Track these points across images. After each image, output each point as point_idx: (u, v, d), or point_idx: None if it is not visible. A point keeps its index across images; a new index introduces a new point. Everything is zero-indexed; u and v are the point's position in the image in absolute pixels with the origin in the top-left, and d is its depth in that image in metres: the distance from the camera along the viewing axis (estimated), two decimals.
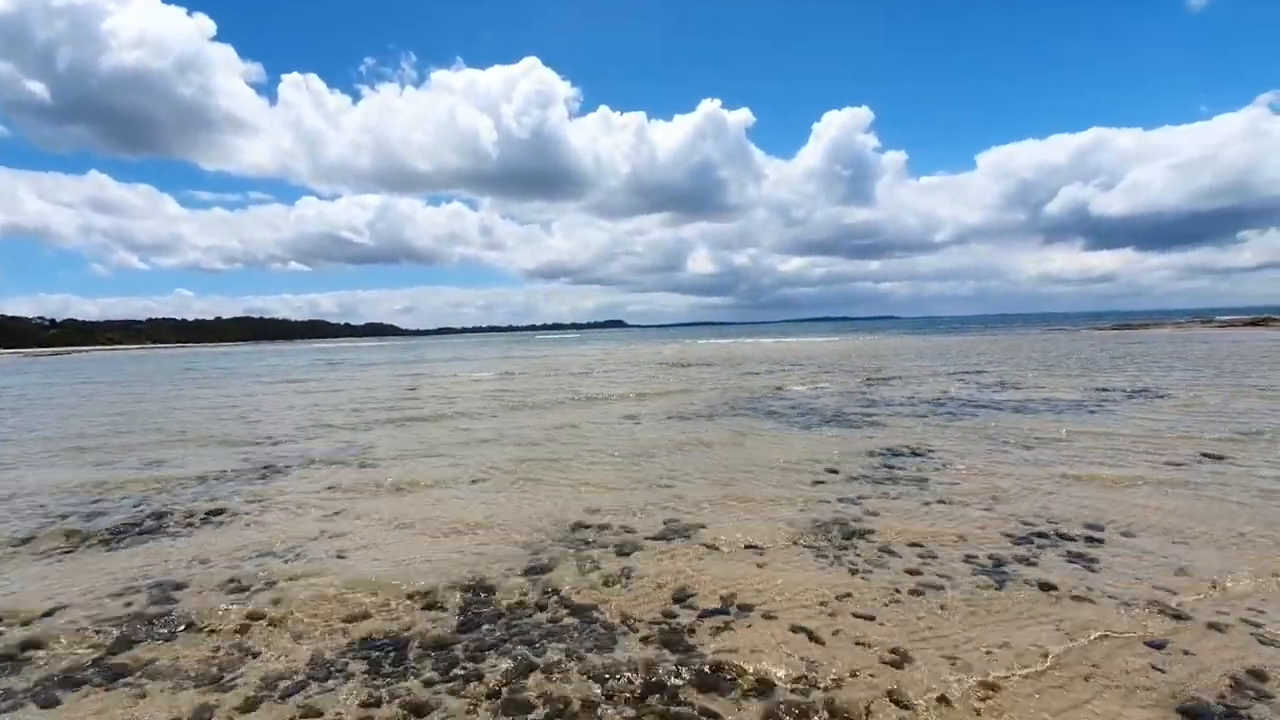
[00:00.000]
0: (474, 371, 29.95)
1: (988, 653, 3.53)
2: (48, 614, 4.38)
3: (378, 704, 3.23)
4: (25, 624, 4.24)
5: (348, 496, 7.33)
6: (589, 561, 5.05)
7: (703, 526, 5.80)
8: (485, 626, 4.03)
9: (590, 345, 71.18)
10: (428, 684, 3.40)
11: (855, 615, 4.02)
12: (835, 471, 7.80)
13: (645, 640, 3.79)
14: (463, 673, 3.49)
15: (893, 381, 18.70)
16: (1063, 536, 5.33)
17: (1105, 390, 14.84)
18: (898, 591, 4.35)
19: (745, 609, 4.15)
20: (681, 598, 4.35)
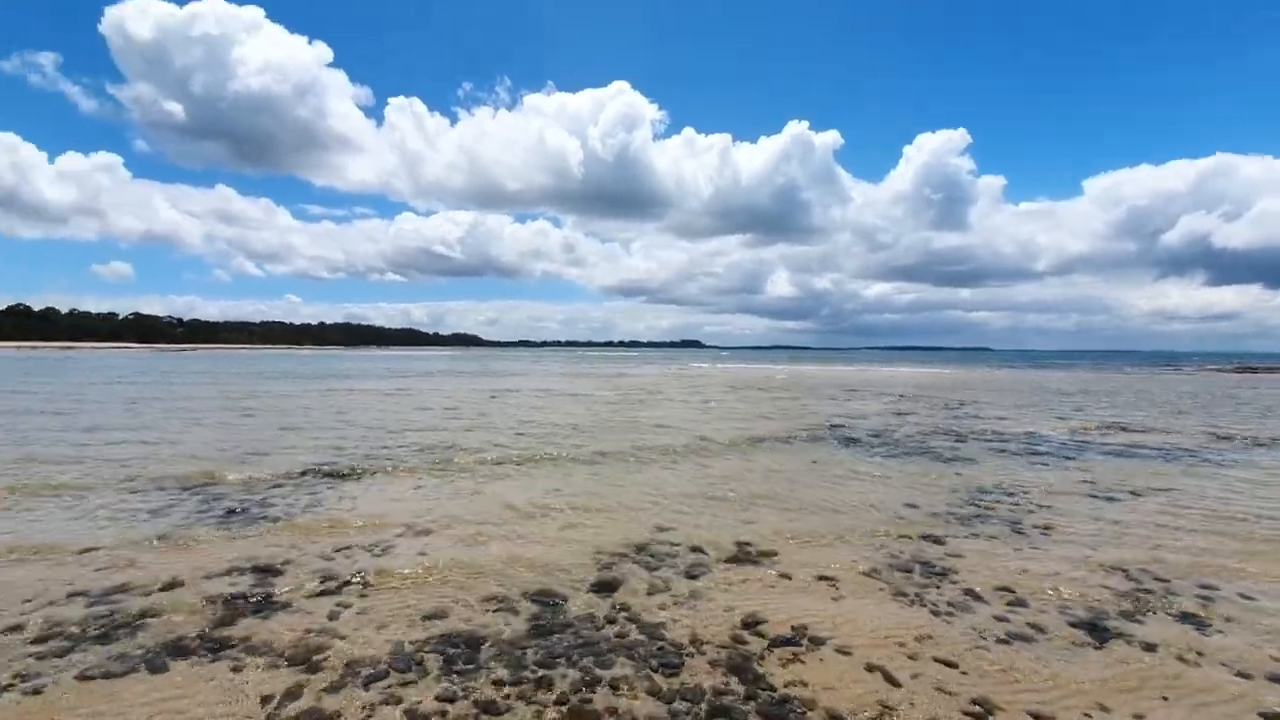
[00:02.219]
0: (552, 385, 30.64)
1: (1085, 715, 3.27)
2: (165, 587, 4.80)
3: (451, 699, 3.34)
4: (145, 594, 4.66)
5: (431, 498, 7.64)
6: (658, 581, 5.04)
7: (775, 554, 5.68)
8: (554, 635, 4.09)
9: (665, 364, 71.37)
10: (498, 685, 3.49)
11: (936, 659, 3.82)
12: (916, 506, 7.46)
13: (713, 664, 3.74)
14: (532, 677, 3.56)
15: (984, 416, 17.71)
16: (1171, 593, 4.87)
17: (1226, 438, 13.49)
18: (983, 638, 4.10)
19: (817, 641, 4.02)
20: (751, 624, 4.27)
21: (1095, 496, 8.08)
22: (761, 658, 3.82)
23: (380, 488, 8.18)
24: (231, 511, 6.93)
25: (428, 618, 4.30)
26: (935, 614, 4.48)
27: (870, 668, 3.71)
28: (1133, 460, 10.71)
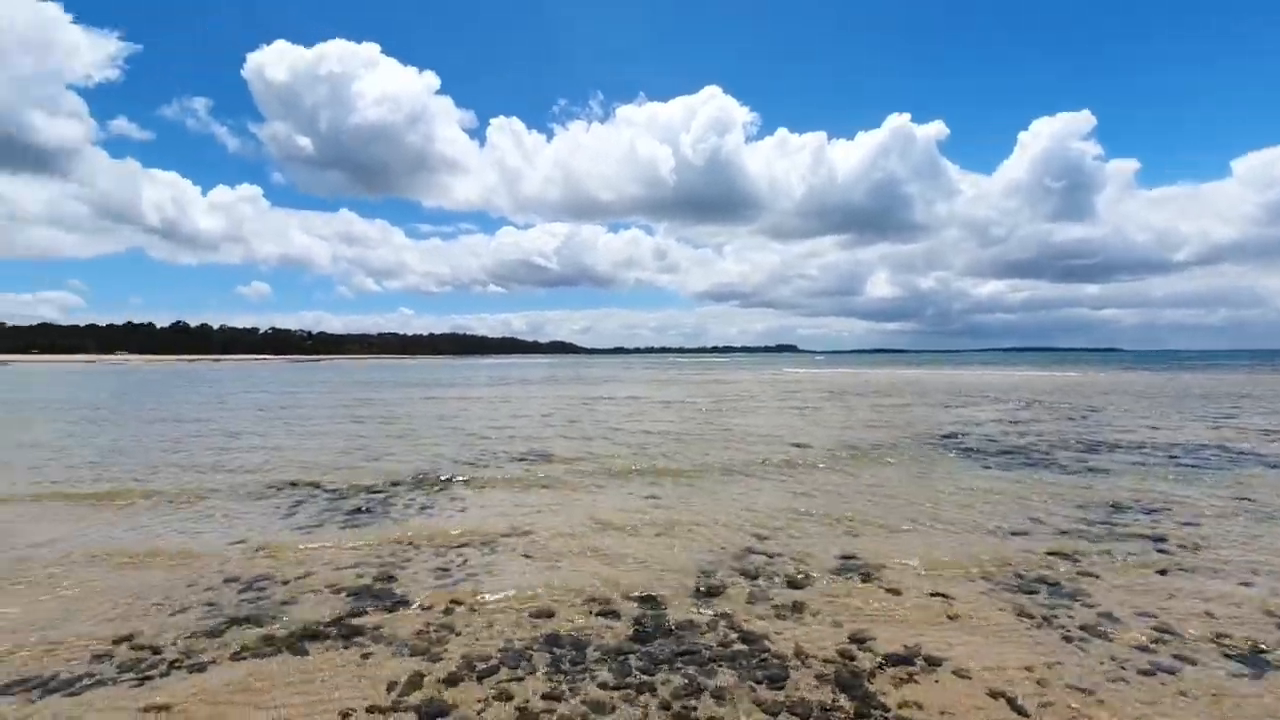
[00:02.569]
0: (644, 392, 30.93)
1: None
2: (302, 575, 5.26)
3: (559, 698, 3.44)
4: (285, 583, 5.13)
5: (532, 502, 7.92)
6: (758, 591, 4.96)
7: (883, 567, 5.44)
8: (657, 640, 4.12)
9: (757, 369, 70.21)
10: (603, 686, 3.56)
11: (1069, 687, 3.52)
12: (1041, 521, 6.91)
13: (820, 679, 3.63)
14: (636, 681, 3.60)
15: (1116, 424, 16.14)
16: None
17: None
18: (1123, 668, 3.74)
19: (933, 662, 3.81)
20: (860, 639, 4.11)
21: (1253, 515, 7.16)
22: (872, 675, 3.67)
23: (486, 491, 8.57)
24: (356, 511, 7.49)
25: (534, 617, 4.46)
26: (1067, 639, 4.12)
27: (993, 693, 3.47)
28: None
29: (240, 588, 5.05)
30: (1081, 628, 4.28)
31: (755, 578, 5.24)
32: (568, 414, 19.28)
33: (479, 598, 4.81)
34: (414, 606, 4.66)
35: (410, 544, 6.16)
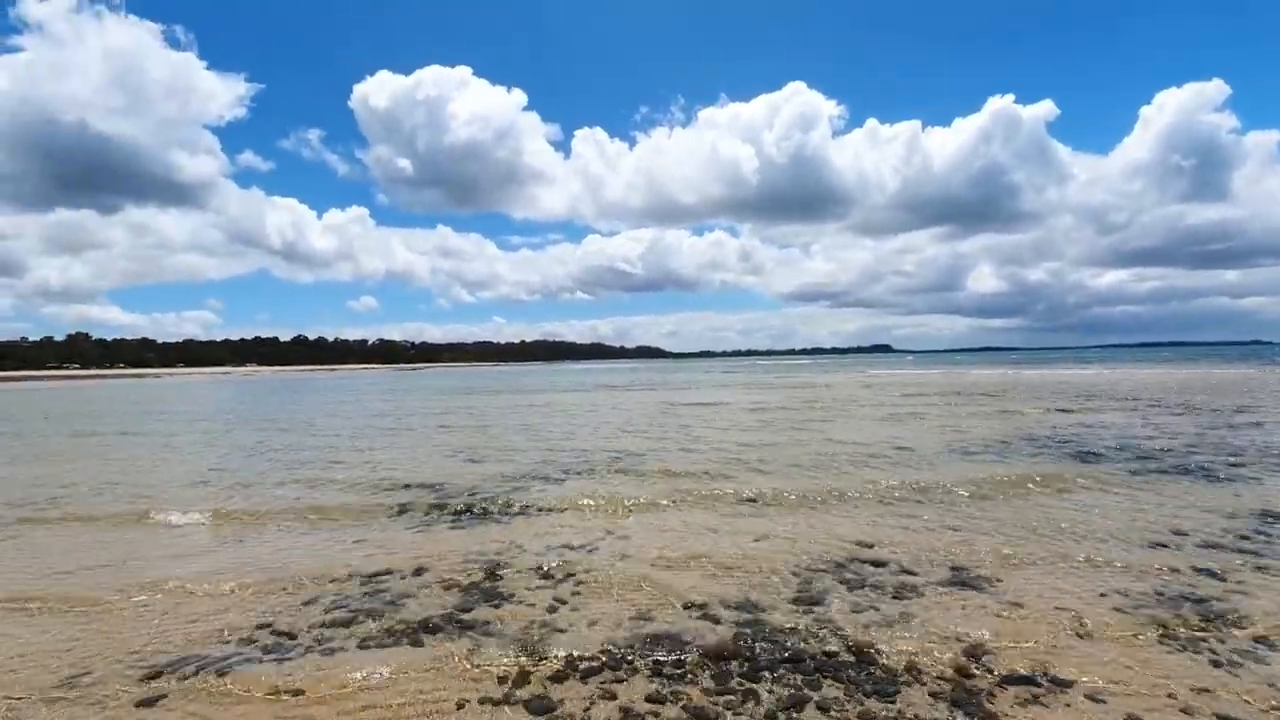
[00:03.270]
0: (733, 397, 30.61)
1: None
2: (416, 572, 5.59)
3: (662, 701, 3.46)
4: (402, 578, 5.46)
5: (632, 505, 8.02)
6: (862, 599, 4.79)
7: (999, 580, 5.11)
8: (758, 646, 4.06)
9: (854, 370, 67.80)
10: (705, 692, 3.55)
11: (1219, 717, 3.17)
12: (1183, 534, 6.26)
13: (934, 696, 3.46)
14: (739, 688, 3.57)
15: (1269, 426, 14.39)
16: None
17: None
18: None
19: (1061, 684, 3.54)
20: (976, 655, 3.88)
21: None
22: (992, 695, 3.45)
23: (583, 496, 8.75)
24: (460, 512, 7.86)
25: (634, 619, 4.51)
26: (1216, 664, 3.72)
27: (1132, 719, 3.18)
28: None
29: (363, 581, 5.42)
30: (1234, 652, 3.84)
31: (858, 586, 5.06)
32: (654, 421, 19.38)
33: (580, 597, 4.93)
34: (519, 603, 4.83)
35: (513, 544, 6.40)
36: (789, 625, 4.37)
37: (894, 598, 4.83)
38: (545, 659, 3.94)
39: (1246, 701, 3.32)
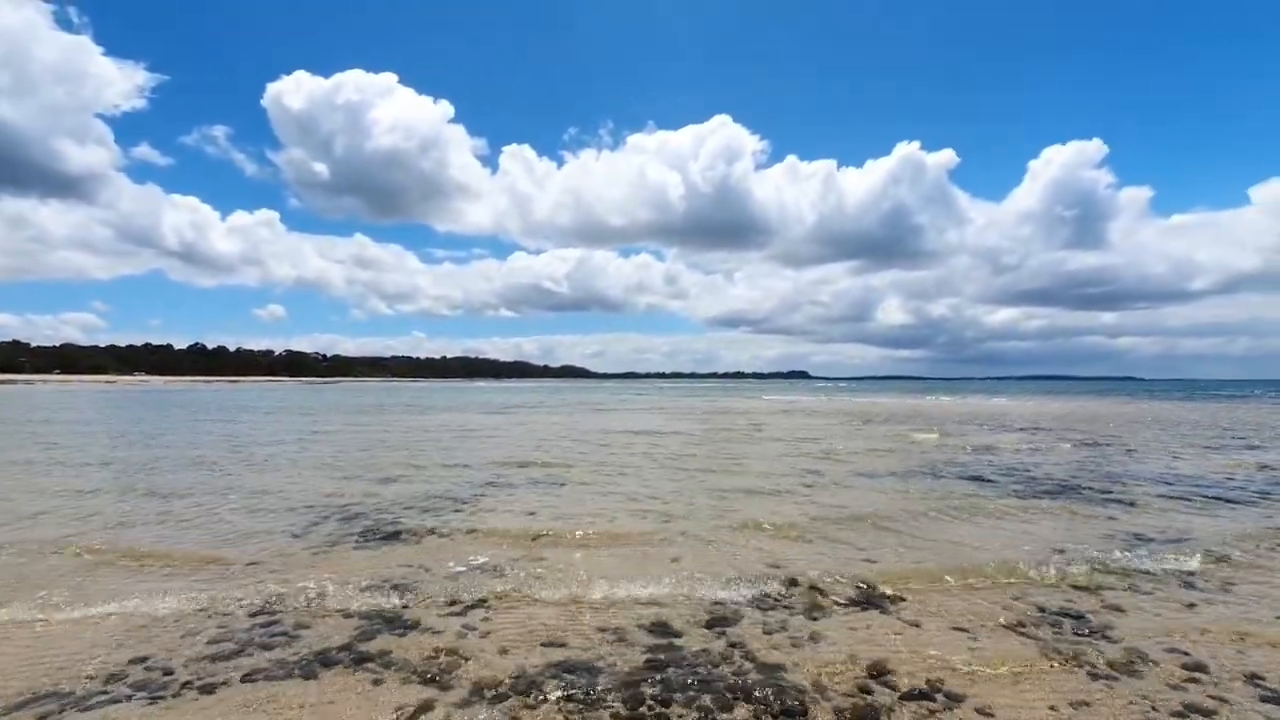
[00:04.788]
0: (655, 420, 30.84)
1: None
2: (313, 599, 5.24)
3: None
4: (297, 606, 5.10)
5: (552, 523, 7.86)
6: (774, 620, 4.87)
7: (902, 599, 5.33)
8: (671, 670, 4.04)
9: (771, 394, 69.85)
10: (616, 717, 3.49)
11: None
12: (1063, 552, 6.75)
13: (838, 712, 3.54)
14: (649, 713, 3.53)
15: (1138, 453, 15.84)
16: None
17: None
18: (1154, 709, 3.61)
19: (954, 699, 3.71)
20: (878, 673, 4.01)
21: None
22: (891, 710, 3.57)
23: (498, 515, 8.52)
24: (367, 533, 7.47)
25: (547, 644, 4.40)
26: (1094, 677, 4.00)
27: None
28: None
29: (254, 610, 5.03)
30: (1109, 666, 4.15)
31: (770, 607, 5.15)
32: (573, 443, 19.24)
33: (490, 623, 4.76)
34: (425, 631, 4.62)
35: (422, 568, 6.13)
36: (702, 648, 4.37)
37: (804, 618, 4.94)
38: (450, 689, 3.77)
39: (1121, 714, 3.58)
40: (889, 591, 5.49)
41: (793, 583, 5.71)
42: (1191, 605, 5.22)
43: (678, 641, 4.47)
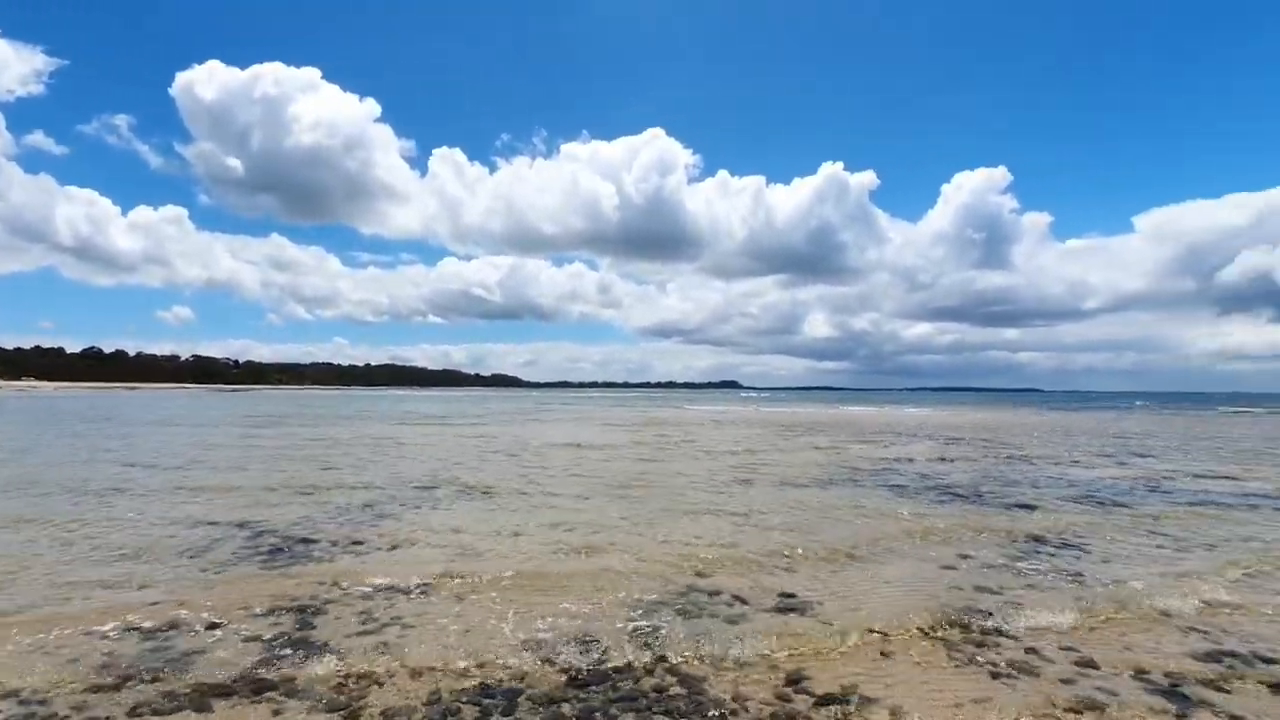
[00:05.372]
0: (584, 429, 30.71)
1: None
2: (211, 626, 4.87)
3: None
4: (192, 632, 4.73)
5: (471, 539, 7.64)
6: (698, 631, 4.89)
7: (820, 604, 5.47)
8: (593, 686, 3.98)
9: (701, 405, 70.91)
10: None
11: None
12: (970, 556, 7.12)
13: None
14: None
15: (1035, 460, 16.98)
16: (1261, 659, 4.48)
17: None
18: (1051, 704, 3.82)
19: (868, 701, 3.81)
20: (796, 680, 4.08)
21: (1165, 548, 7.60)
22: (808, 717, 3.64)
23: (419, 531, 8.22)
24: (275, 551, 7.04)
25: (465, 663, 4.24)
26: (994, 675, 4.21)
27: None
28: (1206, 509, 10.07)
29: (143, 636, 4.62)
30: (1009, 664, 4.37)
31: (695, 617, 5.17)
32: (501, 453, 18.89)
33: (404, 645, 4.55)
34: (334, 656, 4.37)
35: (334, 586, 5.81)
36: (625, 661, 4.33)
37: (726, 625, 4.98)
38: (359, 717, 3.57)
39: (1019, 710, 3.77)
40: (809, 596, 5.62)
41: (716, 593, 5.76)
42: (1082, 603, 5.59)
43: (602, 656, 4.41)
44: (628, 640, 4.69)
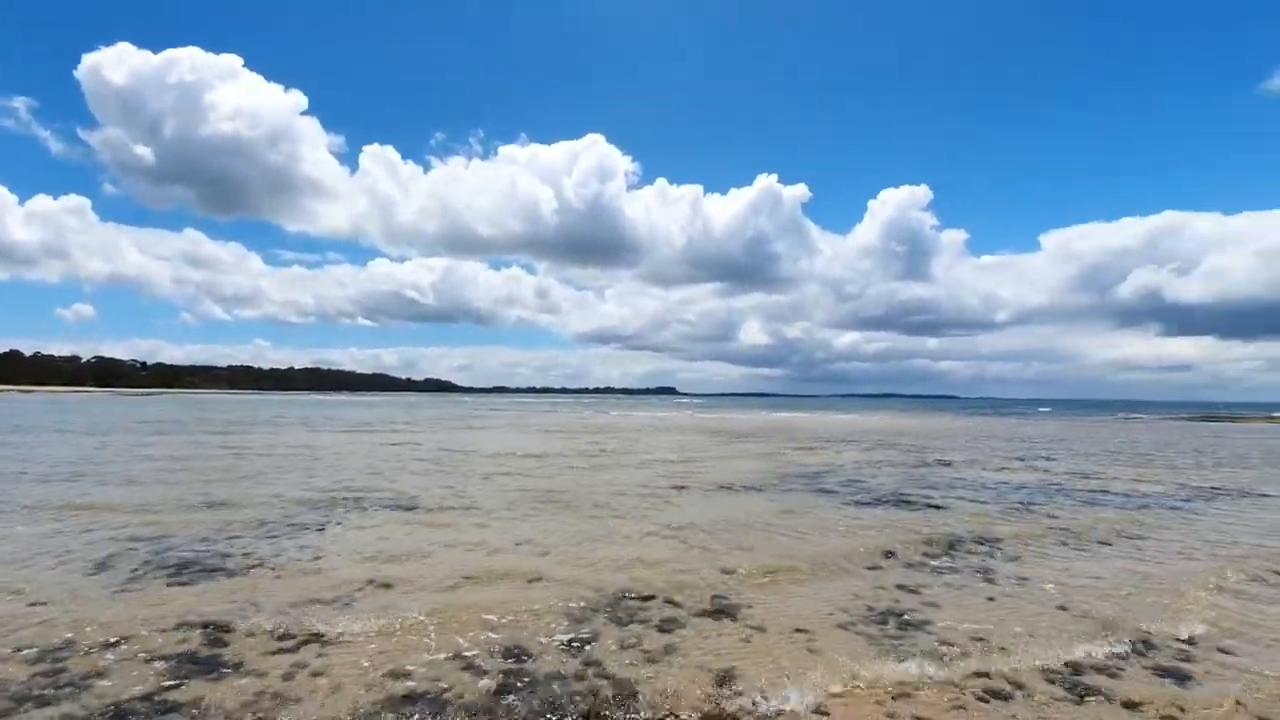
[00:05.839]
0: (525, 434, 30.33)
1: None
2: (111, 644, 4.53)
3: None
4: (91, 652, 4.39)
5: (399, 547, 7.41)
6: (630, 635, 4.91)
7: (750, 606, 5.58)
8: (523, 695, 3.93)
9: (639, 411, 71.20)
10: None
11: (915, 718, 3.74)
12: (892, 555, 7.43)
13: None
14: None
15: (954, 464, 17.89)
16: (1149, 645, 4.87)
17: (1193, 485, 13.79)
18: (962, 694, 4.04)
19: (794, 699, 3.92)
20: (726, 681, 4.15)
21: (1066, 545, 8.15)
22: (736, 718, 3.70)
23: (339, 541, 7.91)
24: (184, 565, 6.62)
25: (388, 678, 4.11)
26: (914, 668, 4.40)
27: None
28: (1102, 508, 10.85)
29: (36, 658, 4.26)
30: (926, 657, 4.58)
31: (627, 623, 5.18)
32: (430, 461, 18.42)
33: (326, 659, 4.36)
34: (247, 673, 4.14)
35: (248, 603, 5.51)
36: (556, 670, 4.30)
37: (659, 631, 5.01)
38: None
39: (935, 701, 3.96)
40: (739, 600, 5.73)
41: (649, 597, 5.80)
42: (992, 599, 5.93)
43: (531, 664, 4.36)
44: (558, 648, 4.65)
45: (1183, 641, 4.96)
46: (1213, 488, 13.66)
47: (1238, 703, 3.97)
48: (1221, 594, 6.19)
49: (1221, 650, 4.81)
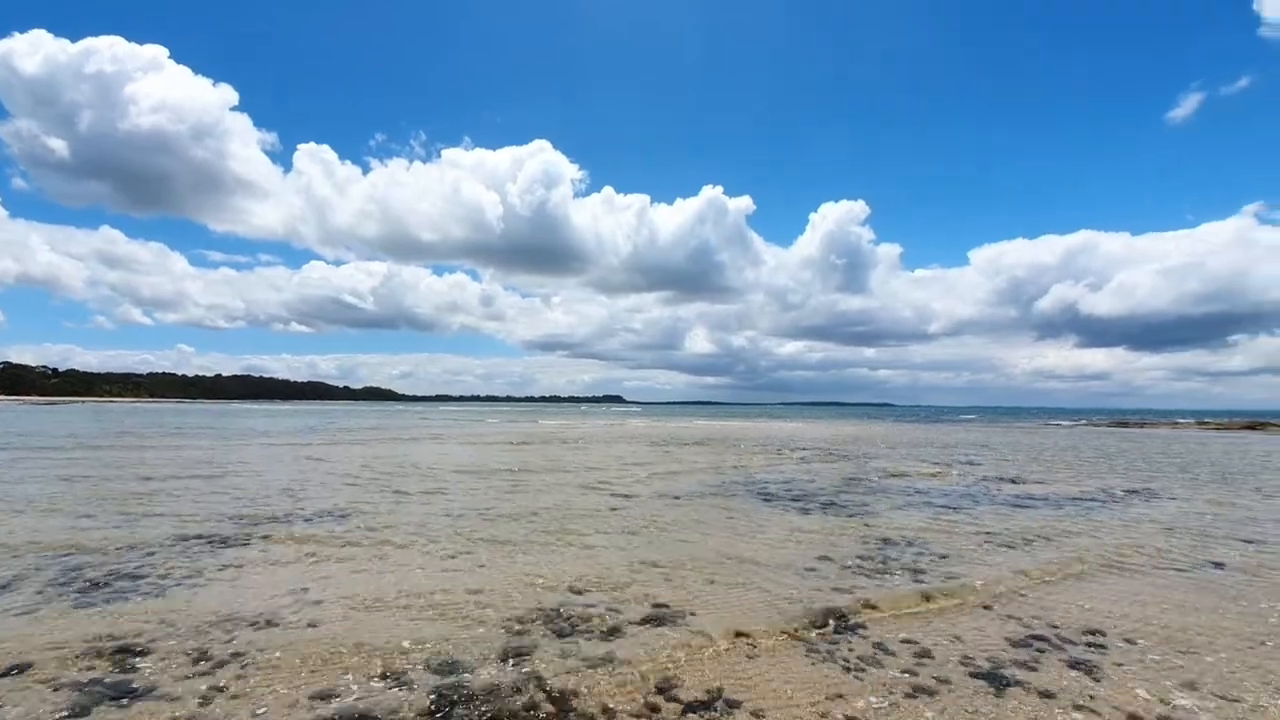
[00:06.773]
0: (465, 445, 29.74)
1: None
2: (13, 669, 4.19)
3: None
4: None
5: (326, 563, 7.12)
6: (570, 646, 4.85)
7: (692, 613, 5.61)
8: (459, 710, 3.83)
9: (585, 420, 70.90)
10: None
11: (847, 718, 3.83)
12: (829, 559, 7.61)
13: None
14: None
15: (889, 470, 18.50)
16: (1064, 640, 5.14)
17: (1107, 489, 14.67)
18: (892, 693, 4.16)
19: (733, 705, 3.95)
20: (665, 688, 4.15)
21: (992, 545, 8.52)
22: None
23: (265, 555, 7.55)
24: (93, 584, 6.19)
25: (314, 698, 3.93)
26: (846, 670, 4.51)
27: None
28: (1027, 511, 11.41)
29: None
30: (859, 658, 4.71)
31: (567, 633, 5.12)
32: (364, 472, 17.84)
33: (246, 681, 4.14)
34: (160, 699, 3.89)
35: (163, 623, 5.18)
36: (493, 683, 4.20)
37: (599, 639, 4.98)
38: None
39: (866, 701, 4.06)
40: (681, 606, 5.75)
41: (589, 607, 5.75)
42: (922, 599, 6.14)
43: (467, 678, 4.25)
44: (496, 661, 4.56)
45: (1095, 634, 5.25)
46: (1127, 490, 14.56)
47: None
48: (1138, 592, 6.60)
49: (1129, 641, 5.13)
